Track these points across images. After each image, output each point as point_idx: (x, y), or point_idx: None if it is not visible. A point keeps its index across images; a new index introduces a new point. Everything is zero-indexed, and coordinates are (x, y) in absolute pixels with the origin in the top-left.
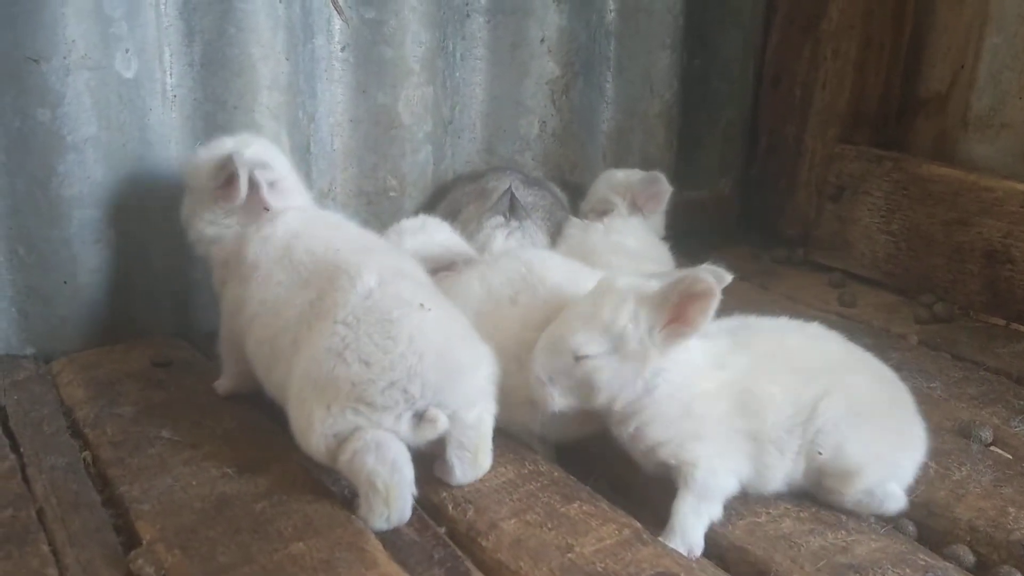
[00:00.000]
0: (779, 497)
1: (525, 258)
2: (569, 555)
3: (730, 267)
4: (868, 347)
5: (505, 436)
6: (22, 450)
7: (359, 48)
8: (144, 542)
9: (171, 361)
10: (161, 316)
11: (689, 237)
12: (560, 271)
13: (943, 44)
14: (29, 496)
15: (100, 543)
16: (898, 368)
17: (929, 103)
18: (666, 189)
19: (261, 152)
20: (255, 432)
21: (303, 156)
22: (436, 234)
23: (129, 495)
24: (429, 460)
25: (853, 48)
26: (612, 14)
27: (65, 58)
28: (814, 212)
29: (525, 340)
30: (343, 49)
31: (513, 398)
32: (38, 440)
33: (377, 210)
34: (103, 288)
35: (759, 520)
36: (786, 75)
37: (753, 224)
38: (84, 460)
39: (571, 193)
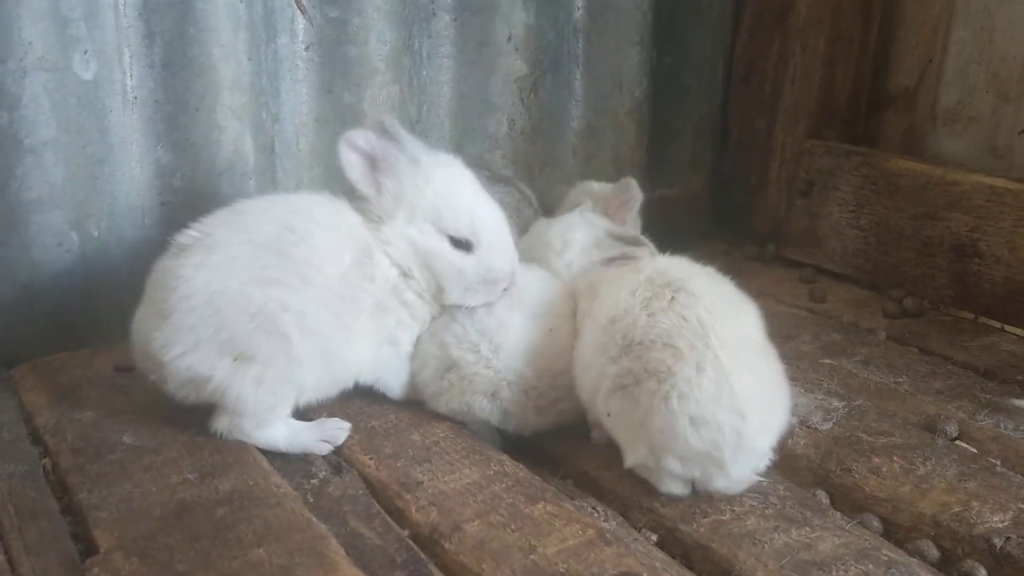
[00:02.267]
0: (744, 495)
1: None
2: (532, 556)
3: (702, 264)
4: (837, 342)
5: (471, 437)
6: None
7: (323, 47)
8: (101, 550)
9: (134, 366)
10: (125, 321)
11: (661, 234)
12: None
13: (911, 39)
14: None
15: (57, 552)
16: (866, 363)
17: (898, 98)
18: (637, 196)
19: None
20: (217, 437)
21: (267, 157)
22: None
23: (87, 502)
24: (392, 460)
25: (821, 43)
26: (580, 11)
27: (21, 60)
28: (784, 208)
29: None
30: (307, 48)
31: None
32: None
33: None
34: (65, 292)
35: (723, 518)
36: (756, 71)
37: (725, 220)
38: (44, 467)
39: (539, 192)
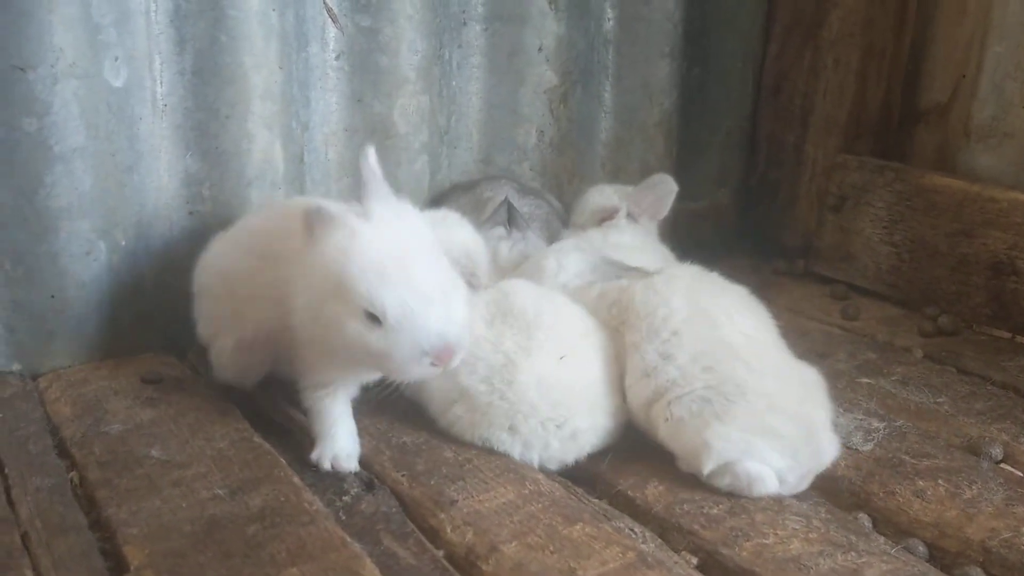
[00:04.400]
0: (787, 517)
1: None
2: None
3: (730, 279)
4: (873, 361)
5: (504, 456)
6: (7, 471)
7: (354, 56)
8: (132, 567)
9: (162, 378)
10: (151, 332)
11: (687, 248)
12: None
13: (943, 55)
14: (13, 519)
15: (87, 568)
16: (904, 382)
17: (929, 114)
18: (671, 191)
19: None
20: (246, 451)
21: (296, 167)
22: (457, 231)
23: (116, 518)
24: (425, 477)
25: (854, 57)
26: (611, 22)
27: (52, 66)
28: (815, 223)
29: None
30: (338, 57)
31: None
32: (23, 460)
33: None
34: (92, 303)
35: (766, 541)
36: (786, 84)
37: (752, 235)
38: (71, 481)
39: (567, 204)
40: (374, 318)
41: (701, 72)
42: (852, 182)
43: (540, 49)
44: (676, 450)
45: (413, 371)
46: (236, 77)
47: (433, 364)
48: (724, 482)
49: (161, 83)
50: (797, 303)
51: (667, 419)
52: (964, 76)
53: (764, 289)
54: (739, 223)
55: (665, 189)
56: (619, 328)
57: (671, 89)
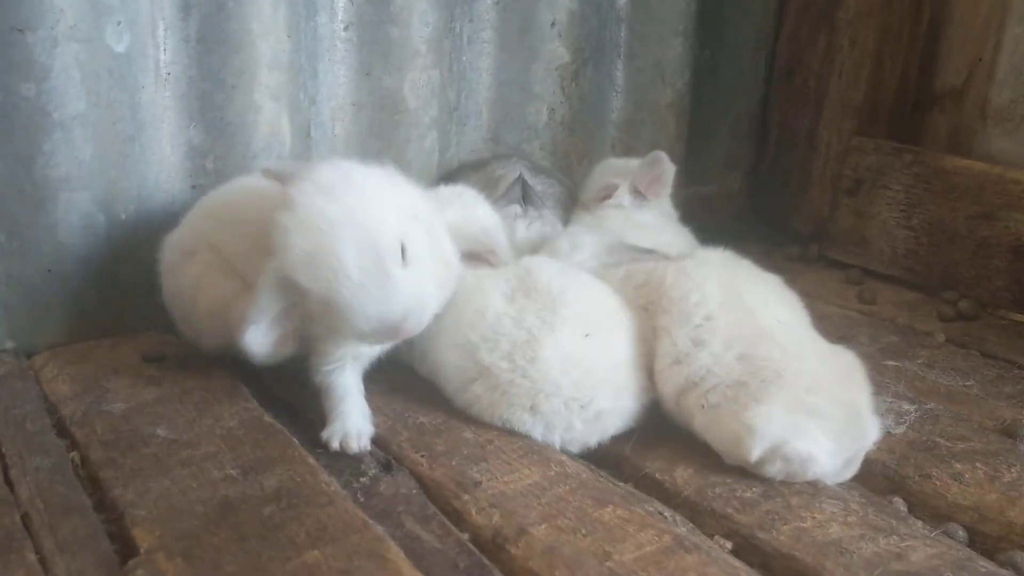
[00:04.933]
0: (823, 500)
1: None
2: (608, 563)
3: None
4: (894, 345)
5: (526, 436)
6: (4, 450)
7: (363, 27)
8: (142, 551)
9: (164, 356)
10: (152, 309)
11: (697, 234)
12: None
13: (959, 37)
14: (12, 500)
15: (93, 551)
16: (929, 366)
17: (944, 97)
18: (669, 169)
19: None
20: (257, 431)
21: (303, 141)
22: (474, 208)
23: (123, 499)
24: (445, 458)
25: (871, 38)
26: None
27: (52, 28)
28: (828, 207)
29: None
30: (346, 28)
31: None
32: (20, 439)
33: None
34: (90, 278)
35: (804, 525)
36: (799, 66)
37: (764, 220)
38: (72, 461)
39: (578, 185)
40: None
41: (711, 53)
42: (868, 165)
43: (553, 24)
44: (715, 441)
45: (366, 345)
46: (243, 45)
47: (382, 339)
48: (775, 468)
49: (165, 50)
50: (812, 288)
51: (703, 406)
52: (980, 59)
53: (777, 275)
54: (750, 208)
55: (660, 167)
56: (647, 308)
57: (684, 69)
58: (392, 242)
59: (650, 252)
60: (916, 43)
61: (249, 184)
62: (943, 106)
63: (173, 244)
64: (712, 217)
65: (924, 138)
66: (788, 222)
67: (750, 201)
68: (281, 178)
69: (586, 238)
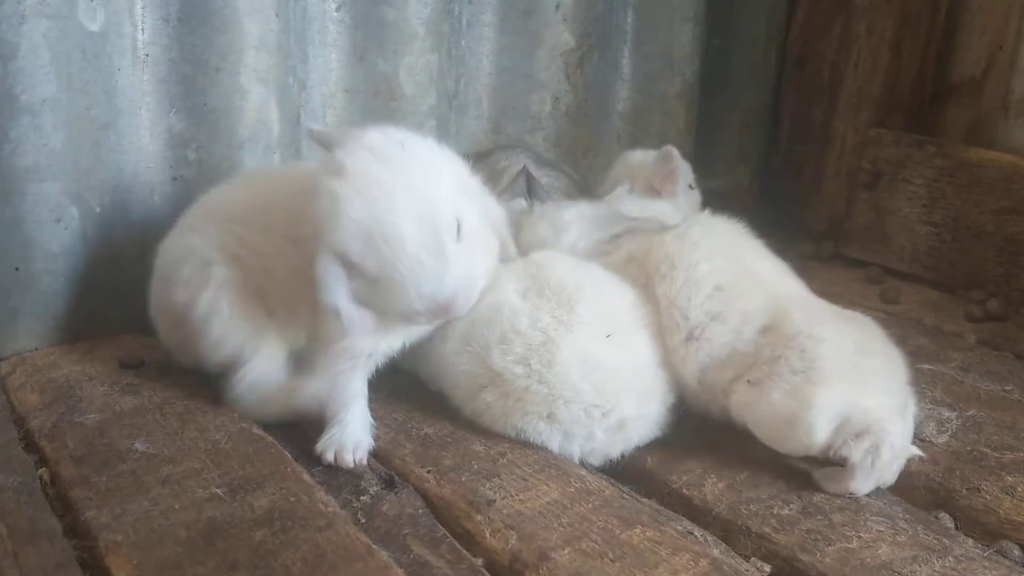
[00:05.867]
0: (868, 517)
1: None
2: None
3: None
4: (926, 347)
5: (542, 449)
6: None
7: (357, 7)
8: None
9: (143, 362)
10: (130, 311)
11: None
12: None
13: (978, 25)
14: None
15: None
16: (965, 369)
17: (961, 87)
18: (679, 167)
19: None
20: (246, 444)
21: (292, 129)
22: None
23: (97, 522)
24: (454, 474)
25: (889, 25)
26: None
27: (19, 3)
28: (844, 203)
29: None
30: (339, 8)
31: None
32: None
33: None
34: (62, 277)
35: (850, 546)
36: (813, 55)
37: (776, 216)
38: (41, 479)
39: (583, 177)
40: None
41: (720, 42)
42: (887, 158)
43: (558, 7)
44: (762, 426)
45: (412, 325)
46: (228, 24)
47: (431, 318)
48: (844, 449)
49: (143, 30)
50: (830, 287)
51: (748, 382)
52: (1001, 47)
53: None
54: (761, 203)
55: (671, 164)
56: (646, 283)
57: (693, 57)
58: (450, 216)
59: (640, 218)
60: (935, 30)
61: (279, 175)
62: (961, 97)
63: (177, 252)
64: (722, 212)
65: (942, 130)
66: (802, 218)
67: (762, 196)
68: (329, 142)
69: (566, 214)
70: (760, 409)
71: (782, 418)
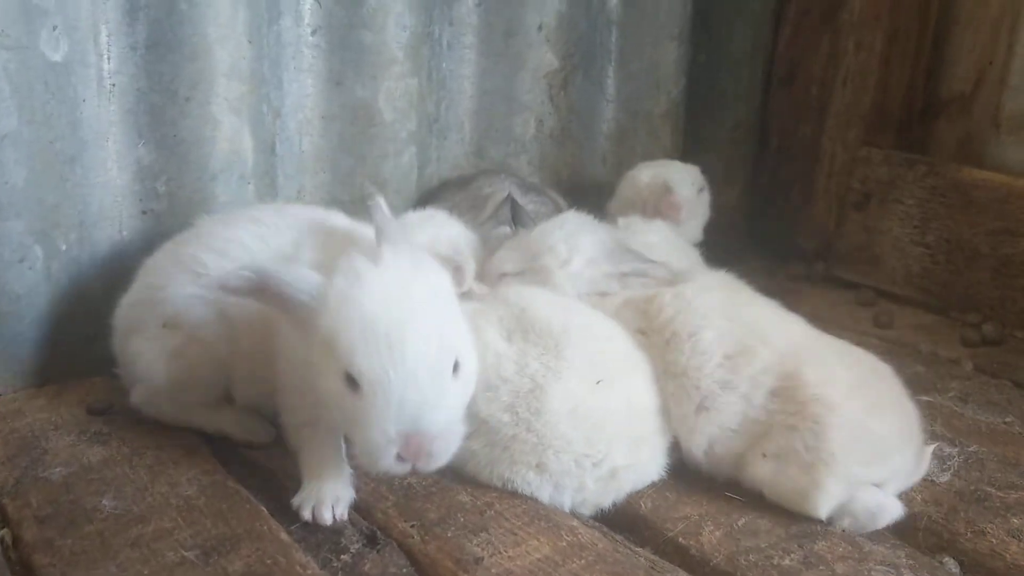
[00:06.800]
0: (872, 567)
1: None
2: None
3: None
4: (921, 376)
5: (531, 499)
6: None
7: (333, 32)
8: None
9: (111, 407)
10: (98, 353)
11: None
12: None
13: (967, 41)
14: None
15: None
16: (963, 399)
17: (951, 104)
18: (678, 202)
19: None
20: (220, 499)
21: (267, 158)
22: (444, 229)
23: None
24: (439, 529)
25: (878, 41)
26: (614, 0)
27: None
28: (834, 223)
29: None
30: (314, 33)
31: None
32: None
33: None
34: (26, 319)
35: None
36: (800, 72)
37: (762, 237)
38: (2, 541)
39: (570, 201)
40: (354, 381)
41: (707, 59)
42: (878, 177)
43: (540, 28)
44: (777, 495)
45: (378, 459)
46: (198, 52)
47: (400, 457)
48: (843, 524)
49: (109, 59)
50: (821, 310)
51: (757, 464)
52: (991, 63)
53: (781, 295)
54: (749, 223)
55: (671, 199)
56: (644, 332)
57: (679, 76)
58: (460, 337)
59: (655, 263)
60: (924, 46)
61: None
62: (950, 114)
63: (140, 306)
64: (709, 233)
65: (932, 147)
66: (791, 238)
67: (749, 216)
68: (382, 230)
69: (583, 240)
70: (777, 483)
71: (796, 491)
